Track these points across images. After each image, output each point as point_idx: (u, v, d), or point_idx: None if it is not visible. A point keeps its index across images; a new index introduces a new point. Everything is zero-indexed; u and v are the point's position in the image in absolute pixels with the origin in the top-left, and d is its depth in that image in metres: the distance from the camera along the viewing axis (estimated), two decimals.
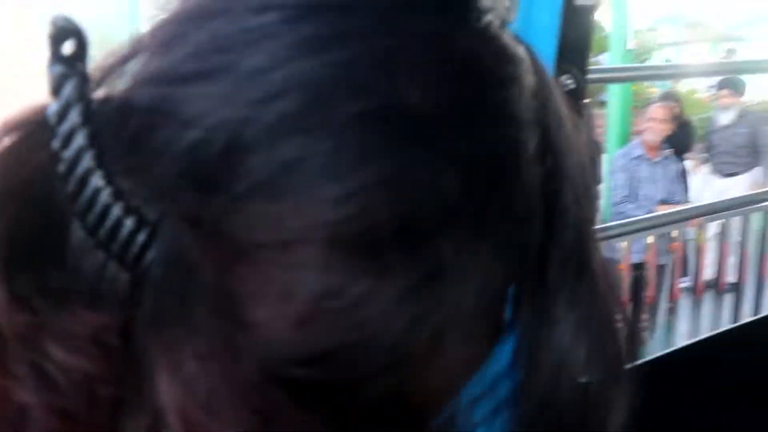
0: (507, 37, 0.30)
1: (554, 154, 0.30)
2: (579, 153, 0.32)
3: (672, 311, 4.22)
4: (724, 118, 5.41)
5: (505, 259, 0.29)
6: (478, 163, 0.28)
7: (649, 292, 3.98)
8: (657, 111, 4.21)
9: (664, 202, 4.07)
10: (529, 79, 0.30)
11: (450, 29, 0.28)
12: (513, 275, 0.31)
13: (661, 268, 4.03)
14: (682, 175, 4.65)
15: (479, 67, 0.28)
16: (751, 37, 14.16)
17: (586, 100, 0.97)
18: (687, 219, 3.05)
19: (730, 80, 5.31)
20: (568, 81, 0.86)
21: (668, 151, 4.31)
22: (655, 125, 4.16)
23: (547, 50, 0.84)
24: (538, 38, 0.83)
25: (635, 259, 3.94)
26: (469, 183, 0.27)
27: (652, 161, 4.19)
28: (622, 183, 4.15)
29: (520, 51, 0.30)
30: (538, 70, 0.31)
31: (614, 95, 6.59)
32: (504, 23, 0.30)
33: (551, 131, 0.30)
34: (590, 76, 0.96)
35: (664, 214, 3.14)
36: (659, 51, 14.06)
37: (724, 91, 5.43)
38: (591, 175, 0.32)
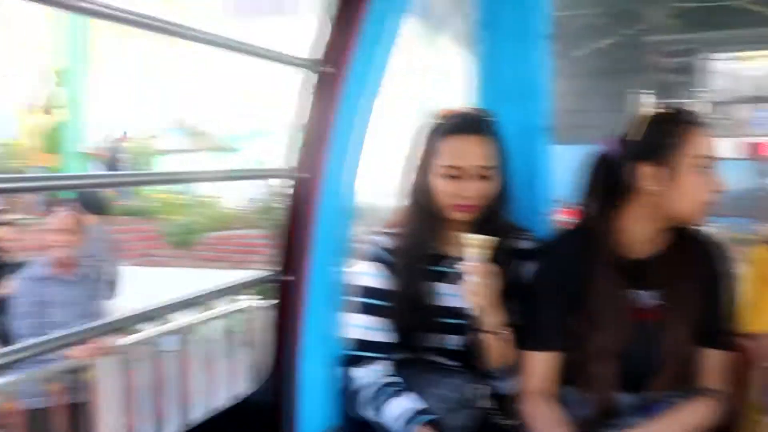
0: None
1: None
2: None
3: None
4: None
5: None
6: None
7: None
8: (57, 221, 3.61)
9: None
10: None
11: None
12: None
13: (75, 408, 3.36)
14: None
15: None
16: (247, 149, 15.22)
17: None
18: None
19: (83, 197, 4.39)
20: None
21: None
22: (58, 237, 3.54)
23: None
24: None
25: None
26: None
27: (65, 280, 3.55)
28: (24, 311, 3.40)
29: None
30: None
31: None
32: None
33: None
34: None
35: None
36: (162, 157, 14.08)
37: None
38: None
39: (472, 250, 1.57)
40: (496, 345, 1.64)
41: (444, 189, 1.65)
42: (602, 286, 1.58)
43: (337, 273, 1.75)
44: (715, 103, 15.13)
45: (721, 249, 1.67)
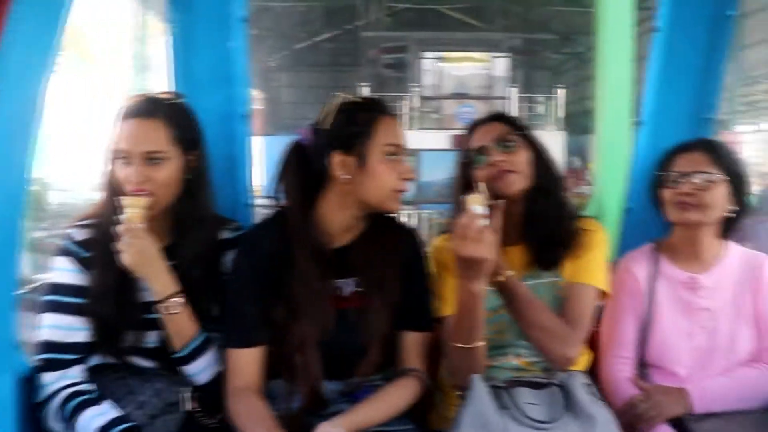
0: None
1: None
2: None
3: None
4: None
5: None
6: None
7: None
8: None
9: None
10: None
11: None
12: None
13: None
14: None
15: None
16: None
17: None
18: None
19: None
20: None
21: None
22: None
23: None
24: None
25: None
26: None
27: None
28: None
29: None
30: None
31: None
32: None
33: None
34: None
35: None
36: None
37: None
38: None
39: (126, 210, 1.54)
40: (169, 319, 1.57)
41: (120, 175, 1.59)
42: (302, 276, 1.56)
43: (6, 271, 1.55)
44: (425, 98, 16.47)
45: (415, 235, 1.74)
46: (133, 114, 1.59)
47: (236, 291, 1.60)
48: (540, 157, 1.75)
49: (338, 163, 1.56)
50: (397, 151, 1.59)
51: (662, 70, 2.09)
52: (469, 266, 1.46)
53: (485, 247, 1.44)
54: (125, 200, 1.54)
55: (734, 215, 1.82)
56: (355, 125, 1.56)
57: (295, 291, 1.56)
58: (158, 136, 1.59)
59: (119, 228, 1.53)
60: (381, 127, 1.57)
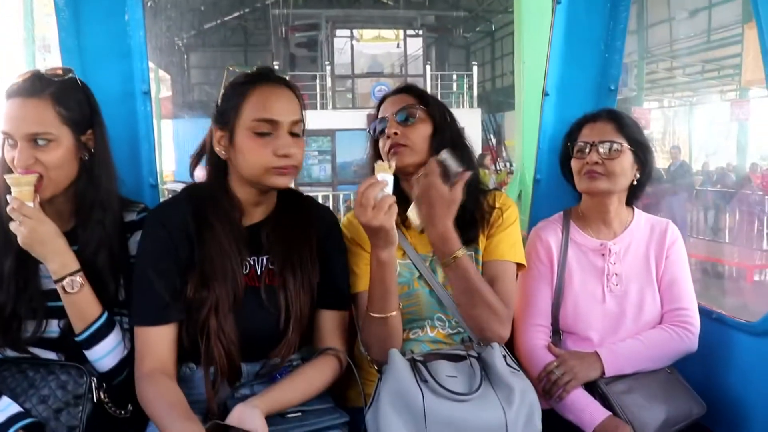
0: None
1: None
2: None
3: None
4: None
5: None
6: None
7: None
8: None
9: None
10: None
11: None
12: None
13: None
14: None
15: None
16: None
17: None
18: None
19: None
20: None
21: None
22: None
23: None
24: None
25: None
26: None
27: None
28: None
29: None
30: None
31: None
32: None
33: None
34: None
35: None
36: None
37: None
38: None
39: (14, 189, 1.48)
40: (69, 300, 1.52)
41: (8, 158, 1.53)
42: (214, 253, 1.52)
43: None
44: (339, 77, 16.38)
45: (330, 213, 1.71)
46: (18, 93, 1.51)
47: (145, 267, 1.53)
48: (440, 132, 1.74)
49: (216, 139, 1.55)
50: (267, 127, 1.51)
51: (565, 42, 2.12)
52: (372, 234, 1.46)
53: (383, 214, 1.42)
54: (10, 179, 1.47)
55: (640, 183, 1.87)
56: (230, 100, 1.53)
57: (206, 269, 1.51)
58: (44, 117, 1.51)
59: (8, 209, 1.46)
60: (251, 102, 1.51)
